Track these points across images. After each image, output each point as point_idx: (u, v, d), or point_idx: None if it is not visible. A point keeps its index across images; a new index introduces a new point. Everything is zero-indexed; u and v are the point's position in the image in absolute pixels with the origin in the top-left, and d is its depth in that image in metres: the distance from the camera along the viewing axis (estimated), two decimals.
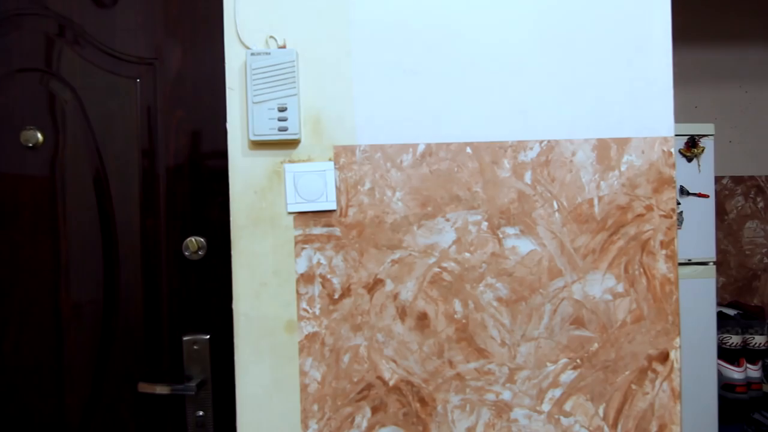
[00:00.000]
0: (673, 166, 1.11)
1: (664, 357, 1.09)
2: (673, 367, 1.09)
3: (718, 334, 2.18)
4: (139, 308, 1.22)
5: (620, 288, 1.10)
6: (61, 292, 1.22)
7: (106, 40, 1.21)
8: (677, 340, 1.09)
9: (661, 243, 1.10)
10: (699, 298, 2.05)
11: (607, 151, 1.10)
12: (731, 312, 2.40)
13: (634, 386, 1.09)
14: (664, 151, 1.10)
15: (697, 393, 2.01)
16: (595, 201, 1.10)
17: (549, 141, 1.10)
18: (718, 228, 2.39)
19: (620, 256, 1.10)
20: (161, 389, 1.16)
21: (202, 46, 1.20)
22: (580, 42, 1.10)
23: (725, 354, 2.25)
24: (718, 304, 2.29)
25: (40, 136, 1.21)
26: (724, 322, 2.30)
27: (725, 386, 2.22)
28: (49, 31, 1.21)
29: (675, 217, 1.11)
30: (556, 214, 1.09)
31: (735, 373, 2.23)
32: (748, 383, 2.25)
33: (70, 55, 1.21)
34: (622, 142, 1.10)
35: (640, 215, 1.10)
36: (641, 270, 1.10)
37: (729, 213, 2.69)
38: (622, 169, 1.10)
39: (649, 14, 1.11)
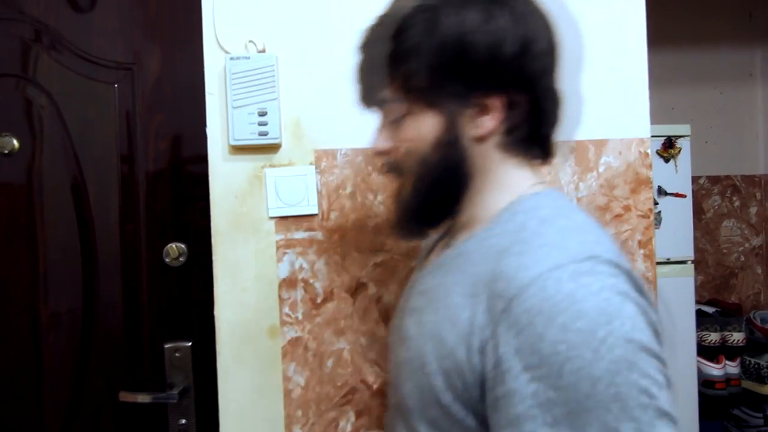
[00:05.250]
0: (650, 166, 1.13)
1: None
2: None
3: (697, 331, 2.21)
4: (119, 316, 1.20)
5: None
6: (39, 301, 1.20)
7: (84, 45, 1.19)
8: None
9: (639, 243, 1.11)
10: (678, 297, 2.08)
11: (585, 152, 1.12)
12: (710, 310, 2.44)
13: None
14: (641, 152, 1.12)
15: (677, 390, 2.04)
16: (574, 202, 1.11)
17: None
18: (695, 227, 2.42)
19: None
20: (143, 398, 1.15)
21: (180, 51, 1.19)
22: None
23: (704, 351, 2.28)
24: (697, 302, 2.33)
25: (15, 142, 1.19)
26: (702, 320, 2.33)
27: (705, 383, 2.25)
28: (25, 36, 1.20)
29: (652, 217, 1.13)
30: None
31: (714, 369, 2.26)
32: (728, 380, 2.28)
33: (46, 60, 1.20)
34: (600, 144, 1.12)
35: (619, 215, 1.12)
36: None
37: (706, 212, 2.73)
38: (600, 170, 1.12)
39: (625, 17, 1.13)
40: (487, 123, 0.65)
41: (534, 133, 0.67)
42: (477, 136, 0.65)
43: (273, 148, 1.08)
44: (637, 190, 1.12)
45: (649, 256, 1.11)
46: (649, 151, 1.13)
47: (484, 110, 0.65)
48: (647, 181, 1.12)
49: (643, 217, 1.12)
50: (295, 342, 1.08)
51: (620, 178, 1.12)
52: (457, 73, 0.63)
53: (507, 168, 0.67)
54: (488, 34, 0.62)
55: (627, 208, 1.11)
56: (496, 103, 0.64)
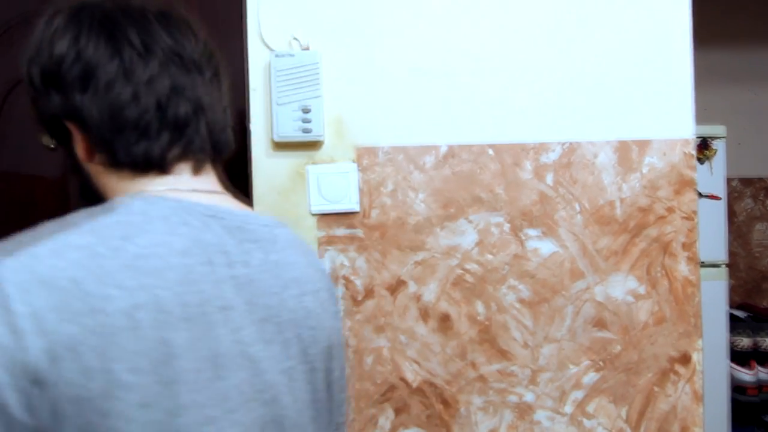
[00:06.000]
0: (694, 168, 1.11)
1: (686, 359, 1.09)
2: (695, 369, 1.09)
3: (729, 336, 2.18)
4: None
5: (642, 290, 1.10)
6: None
7: None
8: (699, 342, 1.09)
9: (683, 245, 1.10)
10: (711, 301, 2.05)
11: (628, 152, 1.10)
12: (741, 314, 2.40)
13: (656, 388, 1.09)
14: (685, 153, 1.11)
15: (709, 395, 2.01)
16: (617, 203, 1.10)
17: (571, 143, 1.10)
18: (728, 230, 2.39)
19: (642, 257, 1.10)
20: None
21: (223, 47, 1.20)
22: (600, 44, 1.10)
23: (736, 356, 2.25)
24: (729, 306, 2.29)
25: None
26: (734, 325, 2.29)
27: (736, 388, 2.22)
28: None
29: (696, 219, 1.11)
30: (578, 215, 1.10)
31: (746, 375, 2.23)
32: (759, 386, 2.24)
33: None
34: (643, 144, 1.10)
35: (662, 217, 1.10)
36: (663, 272, 1.10)
37: (738, 215, 2.69)
38: (644, 171, 1.10)
39: (669, 17, 1.11)
40: (78, 147, 0.63)
41: (108, 147, 0.62)
42: (83, 160, 0.64)
43: (315, 145, 1.08)
44: (680, 191, 1.10)
45: (692, 259, 1.10)
46: (693, 152, 1.11)
47: (73, 136, 0.63)
48: (691, 183, 1.11)
49: (686, 218, 1.10)
50: None
51: (664, 179, 1.10)
52: (37, 101, 0.63)
53: (115, 183, 0.64)
54: (29, 57, 0.62)
55: (670, 210, 1.10)
56: (72, 127, 0.62)
